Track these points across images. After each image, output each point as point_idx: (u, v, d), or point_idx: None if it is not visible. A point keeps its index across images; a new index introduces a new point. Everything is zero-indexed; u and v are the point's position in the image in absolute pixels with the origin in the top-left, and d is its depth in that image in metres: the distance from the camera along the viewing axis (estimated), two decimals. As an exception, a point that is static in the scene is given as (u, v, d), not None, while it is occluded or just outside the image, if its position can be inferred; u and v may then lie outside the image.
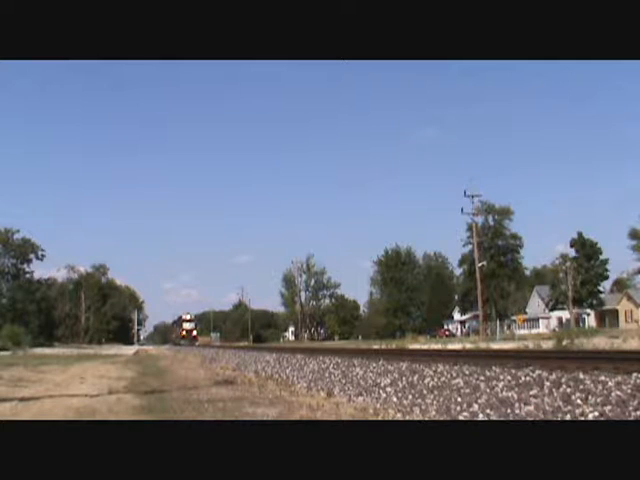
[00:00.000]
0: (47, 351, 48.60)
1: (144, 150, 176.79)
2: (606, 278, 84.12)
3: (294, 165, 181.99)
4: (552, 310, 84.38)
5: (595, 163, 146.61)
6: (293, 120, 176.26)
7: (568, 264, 79.35)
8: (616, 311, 79.64)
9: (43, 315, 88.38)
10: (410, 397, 8.85)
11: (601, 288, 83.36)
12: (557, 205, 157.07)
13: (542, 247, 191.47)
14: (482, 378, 8.79)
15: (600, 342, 26.52)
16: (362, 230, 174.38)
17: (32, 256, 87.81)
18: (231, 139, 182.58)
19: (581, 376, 7.53)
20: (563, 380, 7.51)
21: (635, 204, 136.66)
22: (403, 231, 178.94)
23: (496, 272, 79.90)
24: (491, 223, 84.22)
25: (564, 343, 26.15)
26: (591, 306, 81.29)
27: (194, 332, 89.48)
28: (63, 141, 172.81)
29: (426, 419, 7.41)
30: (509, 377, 8.43)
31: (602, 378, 7.18)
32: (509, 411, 6.86)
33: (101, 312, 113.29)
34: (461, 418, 7.11)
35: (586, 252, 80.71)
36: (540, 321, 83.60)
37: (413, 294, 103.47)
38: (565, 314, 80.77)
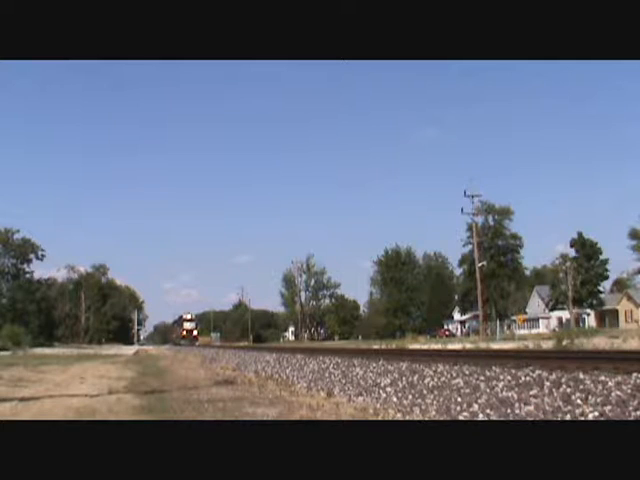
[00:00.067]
0: (47, 351, 48.60)
1: (144, 150, 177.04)
2: (606, 278, 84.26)
3: (294, 165, 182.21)
4: (552, 310, 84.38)
5: (595, 163, 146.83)
6: (293, 120, 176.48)
7: (568, 264, 79.36)
8: (616, 311, 79.63)
9: (43, 315, 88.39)
10: (410, 397, 8.85)
11: (601, 288, 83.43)
12: (557, 205, 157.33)
13: (542, 247, 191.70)
14: (482, 378, 8.79)
15: (600, 342, 26.52)
16: (362, 230, 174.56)
17: (32, 256, 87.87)
18: (231, 139, 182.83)
19: (581, 376, 7.53)
20: (563, 380, 7.51)
21: (635, 204, 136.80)
22: (403, 231, 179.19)
23: (496, 272, 79.91)
24: (491, 223, 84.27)
25: (564, 343, 26.15)
26: (591, 306, 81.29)
27: (195, 332, 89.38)
28: (63, 141, 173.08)
29: (426, 419, 7.41)
30: (509, 377, 8.43)
31: (602, 378, 7.18)
32: (509, 411, 6.86)
33: (101, 312, 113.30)
34: (461, 418, 7.11)
35: (586, 252, 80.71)
36: (540, 321, 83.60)
37: (413, 294, 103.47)
38: (565, 314, 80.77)
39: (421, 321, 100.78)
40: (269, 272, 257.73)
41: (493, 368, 9.42)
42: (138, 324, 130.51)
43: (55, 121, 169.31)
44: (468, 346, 29.17)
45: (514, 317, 75.26)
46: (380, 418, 7.51)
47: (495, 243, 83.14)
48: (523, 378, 8.16)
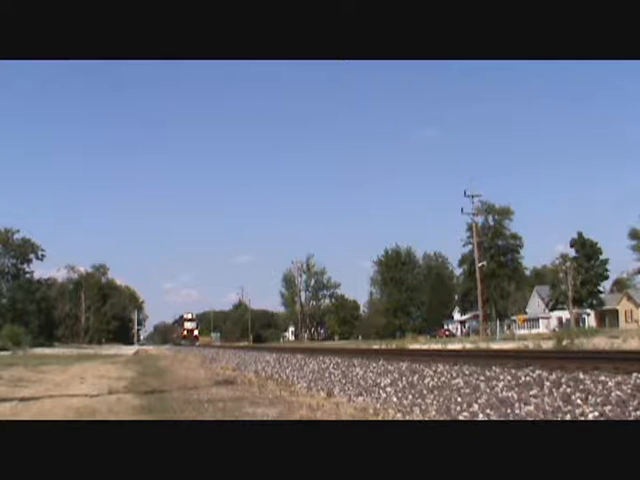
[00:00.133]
0: (47, 351, 48.60)
1: (144, 150, 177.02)
2: (606, 278, 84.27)
3: (294, 165, 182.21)
4: (552, 310, 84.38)
5: (595, 163, 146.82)
6: (293, 120, 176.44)
7: (568, 264, 79.36)
8: (616, 311, 79.63)
9: (43, 315, 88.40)
10: (410, 397, 8.85)
11: (601, 288, 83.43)
12: (557, 205, 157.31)
13: (542, 247, 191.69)
14: (482, 378, 8.79)
15: (600, 342, 26.52)
16: (362, 230, 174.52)
17: (32, 256, 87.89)
18: (231, 139, 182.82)
19: (581, 376, 7.53)
20: (563, 380, 7.51)
21: (635, 204, 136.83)
22: (403, 231, 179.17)
23: (496, 272, 79.91)
24: (491, 223, 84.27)
25: (564, 343, 26.15)
26: (591, 306, 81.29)
27: (195, 332, 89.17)
28: (63, 141, 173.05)
29: (426, 419, 7.41)
30: (509, 377, 8.43)
31: (602, 378, 7.18)
32: (509, 411, 6.86)
33: (101, 312, 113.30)
34: (461, 418, 7.11)
35: (586, 252, 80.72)
36: (540, 321, 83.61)
37: (413, 294, 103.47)
38: (565, 314, 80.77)
39: (421, 321, 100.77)
40: (269, 272, 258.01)
41: (493, 368, 9.42)
42: (138, 324, 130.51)
43: (55, 121, 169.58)
44: (468, 346, 29.17)
45: (514, 317, 75.25)
46: (380, 418, 7.51)
47: (495, 243, 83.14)
48: (523, 378, 8.16)
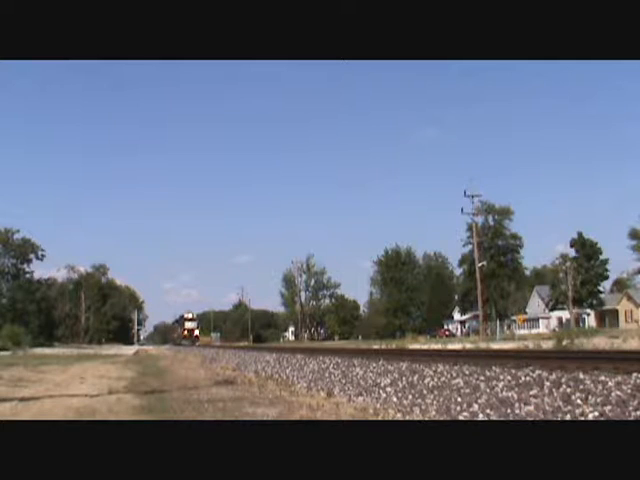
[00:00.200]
0: (47, 351, 48.59)
1: (144, 150, 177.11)
2: (606, 278, 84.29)
3: (294, 165, 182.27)
4: (552, 310, 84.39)
5: (595, 163, 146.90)
6: (293, 120, 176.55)
7: (568, 264, 79.36)
8: (616, 311, 79.63)
9: (43, 315, 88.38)
10: (410, 397, 8.85)
11: (601, 288, 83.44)
12: (557, 205, 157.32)
13: (542, 247, 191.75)
14: (482, 378, 8.79)
15: (600, 342, 26.52)
16: (362, 230, 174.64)
17: (32, 256, 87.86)
18: (231, 139, 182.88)
19: (581, 376, 7.53)
20: (563, 380, 7.52)
21: (635, 204, 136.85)
22: (403, 231, 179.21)
23: (496, 272, 79.91)
24: (491, 223, 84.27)
25: (564, 343, 26.14)
26: (591, 306, 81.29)
27: (196, 331, 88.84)
28: (63, 141, 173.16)
29: (426, 419, 7.41)
30: (509, 377, 8.43)
31: (602, 378, 7.18)
32: (509, 411, 6.86)
33: (101, 312, 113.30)
34: (461, 418, 7.11)
35: (586, 252, 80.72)
36: (540, 321, 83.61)
37: (413, 294, 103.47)
38: (565, 314, 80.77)
39: (421, 321, 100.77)
40: (269, 272, 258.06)
41: (493, 368, 9.42)
42: (138, 324, 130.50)
43: (55, 121, 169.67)
44: (468, 346, 29.17)
45: (514, 317, 75.27)
46: (380, 418, 7.50)
47: (495, 243, 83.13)
48: (523, 378, 8.16)
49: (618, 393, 6.41)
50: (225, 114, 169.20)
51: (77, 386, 13.38)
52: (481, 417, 6.96)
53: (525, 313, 79.69)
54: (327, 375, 13.09)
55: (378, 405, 8.73)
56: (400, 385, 9.91)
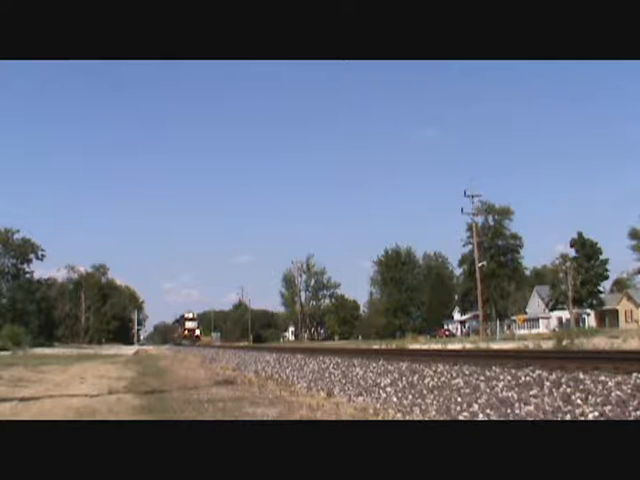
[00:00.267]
0: (47, 351, 48.59)
1: (144, 150, 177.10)
2: (606, 278, 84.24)
3: (294, 165, 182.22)
4: (552, 310, 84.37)
5: (595, 163, 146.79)
6: (293, 120, 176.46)
7: (568, 264, 79.34)
8: (616, 311, 79.62)
9: (43, 315, 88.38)
10: (410, 397, 8.85)
11: (601, 288, 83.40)
12: (557, 205, 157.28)
13: (542, 247, 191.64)
14: (482, 378, 8.79)
15: (600, 342, 26.52)
16: (362, 230, 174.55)
17: (32, 256, 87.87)
18: (231, 139, 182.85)
19: (581, 376, 7.53)
20: (563, 380, 7.51)
21: (635, 204, 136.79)
22: (403, 231, 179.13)
23: (496, 272, 79.90)
24: (491, 223, 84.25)
25: (564, 343, 26.14)
26: (591, 306, 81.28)
27: (197, 331, 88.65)
28: (63, 141, 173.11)
29: (426, 419, 7.41)
30: (509, 377, 8.43)
31: (602, 378, 7.18)
32: (509, 411, 6.86)
33: (101, 312, 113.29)
34: (461, 418, 7.11)
35: (586, 252, 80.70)
36: (540, 321, 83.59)
37: (413, 294, 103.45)
38: (565, 314, 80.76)
39: (421, 321, 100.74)
40: (269, 272, 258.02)
41: (493, 368, 9.42)
42: (138, 324, 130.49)
43: (55, 121, 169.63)
44: (468, 346, 29.17)
45: (514, 317, 75.24)
46: (380, 418, 7.51)
47: (495, 243, 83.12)
48: (523, 378, 8.16)
49: (618, 393, 6.41)
50: (225, 114, 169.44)
51: (77, 386, 13.38)
52: (481, 417, 6.96)
53: (525, 313, 79.66)
54: (327, 375, 13.08)
55: (378, 405, 8.73)
56: (400, 385, 9.91)
